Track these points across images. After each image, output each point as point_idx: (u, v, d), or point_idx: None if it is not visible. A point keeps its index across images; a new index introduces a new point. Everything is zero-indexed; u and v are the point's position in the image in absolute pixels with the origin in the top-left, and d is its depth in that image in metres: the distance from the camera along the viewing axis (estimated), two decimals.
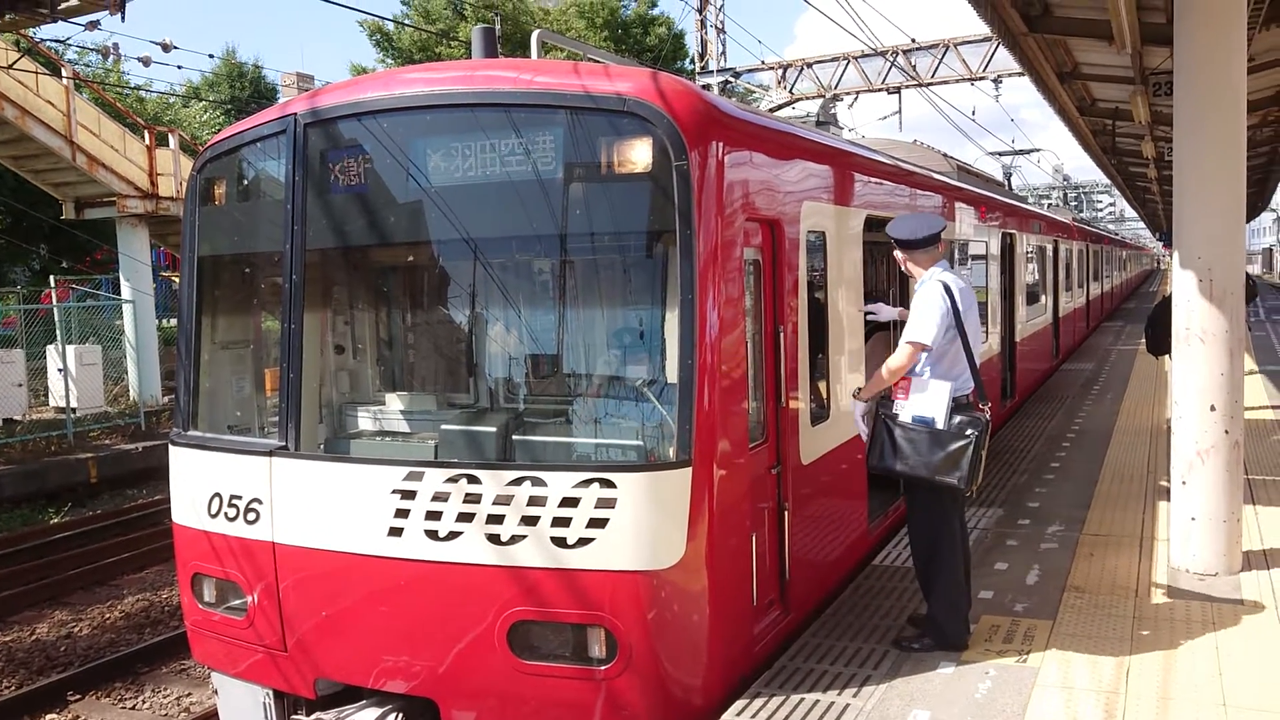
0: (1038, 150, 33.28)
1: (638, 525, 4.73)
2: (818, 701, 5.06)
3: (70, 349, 19.12)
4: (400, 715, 5.18)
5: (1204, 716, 4.83)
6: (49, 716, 8.52)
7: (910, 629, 5.87)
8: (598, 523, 4.74)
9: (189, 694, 8.81)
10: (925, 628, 5.74)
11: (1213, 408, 6.65)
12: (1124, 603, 6.36)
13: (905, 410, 5.45)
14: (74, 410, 18.68)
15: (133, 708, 8.68)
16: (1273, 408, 13.78)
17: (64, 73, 19.91)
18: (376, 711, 5.16)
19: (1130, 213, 73.91)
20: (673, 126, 4.83)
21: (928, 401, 5.40)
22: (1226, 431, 6.67)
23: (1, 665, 9.65)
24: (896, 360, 5.51)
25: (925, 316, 5.48)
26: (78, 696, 8.83)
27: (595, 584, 4.76)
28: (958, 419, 5.37)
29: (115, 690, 8.98)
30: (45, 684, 8.98)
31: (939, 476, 5.32)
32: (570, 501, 4.77)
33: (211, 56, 25.54)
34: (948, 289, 5.49)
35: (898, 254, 5.85)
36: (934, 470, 5.32)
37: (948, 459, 5.29)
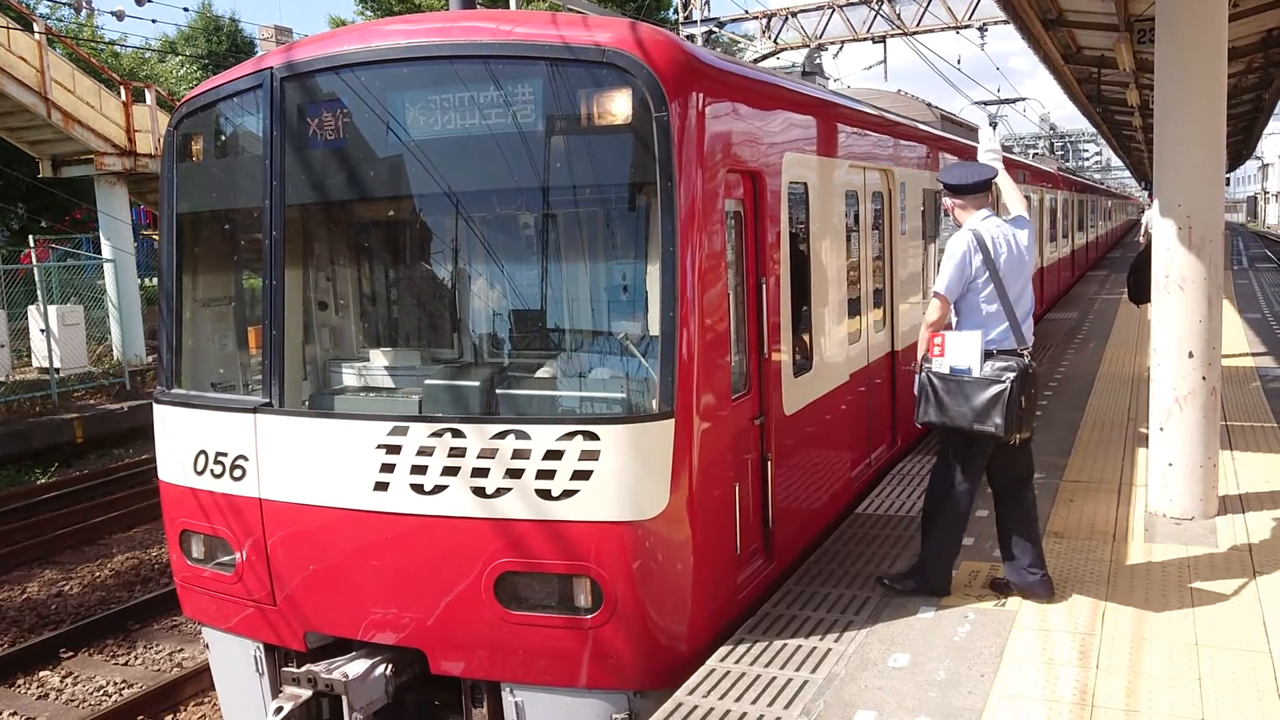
0: (1024, 99, 33.10)
1: (621, 477, 4.78)
2: (800, 646, 5.15)
3: (52, 309, 18.98)
4: (390, 666, 5.25)
5: (1176, 655, 4.95)
6: (43, 673, 8.61)
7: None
8: (582, 474, 4.78)
9: (181, 649, 8.90)
10: (912, 570, 5.83)
11: (1191, 354, 6.72)
12: (1102, 547, 6.47)
13: (943, 363, 5.42)
14: (58, 371, 18.60)
15: (125, 664, 8.77)
16: (1252, 355, 13.90)
17: (36, 28, 19.54)
18: (366, 663, 5.22)
19: (1116, 162, 73.83)
20: (652, 77, 4.80)
21: (961, 351, 5.37)
22: (1204, 378, 6.74)
23: None
24: (928, 315, 5.59)
25: (944, 267, 5.52)
26: (70, 653, 8.91)
27: (580, 535, 4.82)
28: (994, 365, 5.31)
29: (107, 647, 9.07)
30: (38, 641, 9.06)
31: (978, 425, 5.24)
32: (554, 454, 4.81)
33: (186, 10, 25.06)
34: (979, 238, 5.46)
35: (946, 200, 5.79)
36: (973, 419, 5.25)
37: (984, 406, 5.22)
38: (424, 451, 5.02)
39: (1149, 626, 5.28)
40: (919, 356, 5.58)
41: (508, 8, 5.97)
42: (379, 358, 6.12)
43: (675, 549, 4.96)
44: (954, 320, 5.61)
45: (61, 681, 8.46)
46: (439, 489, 4.99)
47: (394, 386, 5.91)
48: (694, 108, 4.98)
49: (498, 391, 5.37)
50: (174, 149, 6.02)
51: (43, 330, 18.80)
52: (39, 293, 19.16)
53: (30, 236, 21.36)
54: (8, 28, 18.43)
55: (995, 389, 5.21)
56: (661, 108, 4.79)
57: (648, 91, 4.80)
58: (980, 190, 5.64)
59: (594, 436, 4.78)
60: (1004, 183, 5.98)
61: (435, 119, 5.20)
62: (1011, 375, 5.21)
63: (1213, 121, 6.74)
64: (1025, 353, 5.45)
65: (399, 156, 5.42)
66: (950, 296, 5.49)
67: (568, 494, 4.80)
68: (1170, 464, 6.91)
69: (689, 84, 4.98)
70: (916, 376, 5.56)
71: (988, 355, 5.34)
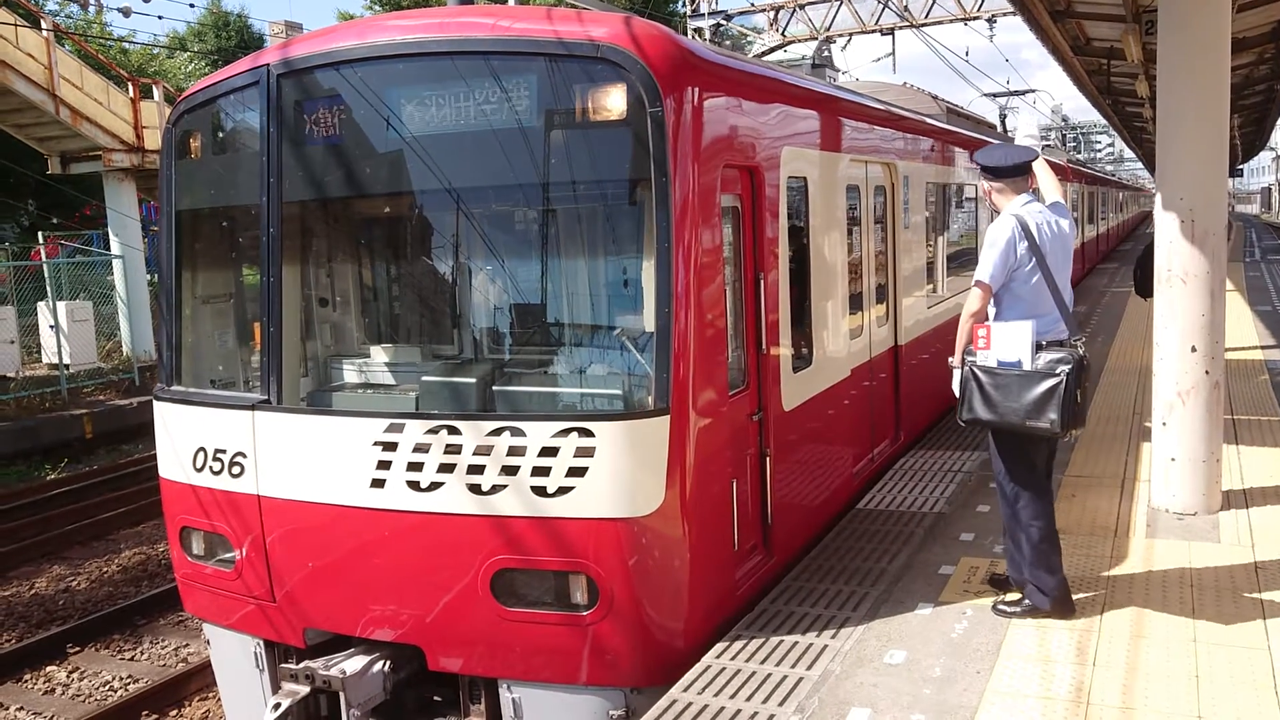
0: (1033, 91, 32.86)
1: (616, 473, 4.77)
2: (797, 642, 5.14)
3: (62, 305, 19.07)
4: (387, 663, 5.27)
5: (1174, 652, 4.92)
6: (49, 668, 8.67)
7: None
8: (577, 471, 4.78)
9: (186, 645, 8.95)
10: (1024, 590, 5.41)
11: (1193, 349, 6.67)
12: (1103, 543, 6.44)
13: (989, 356, 5.07)
14: (67, 367, 18.69)
15: (131, 659, 8.82)
16: (1262, 348, 13.81)
17: (43, 24, 19.60)
18: (364, 660, 5.24)
19: (1129, 153, 73.41)
20: (646, 72, 4.78)
21: (1011, 343, 5.02)
22: (1207, 372, 6.69)
23: (1, 619, 9.78)
24: (968, 305, 5.26)
25: (985, 254, 5.23)
26: (77, 649, 8.96)
27: (576, 532, 4.82)
28: (1047, 358, 4.97)
29: (114, 642, 9.12)
30: (45, 636, 9.12)
31: (1031, 422, 4.92)
32: (549, 451, 4.81)
33: (193, 6, 24.99)
34: (1023, 224, 5.17)
35: (984, 184, 5.53)
36: (1025, 415, 4.93)
37: (1038, 401, 4.89)
38: (420, 448, 5.02)
39: (1148, 623, 5.25)
40: (959, 349, 5.28)
41: (505, 3, 5.96)
42: (378, 354, 6.13)
43: (671, 545, 4.95)
44: (992, 311, 5.33)
45: (68, 677, 8.51)
46: (435, 486, 4.99)
47: (392, 383, 5.92)
48: (689, 102, 4.97)
49: (494, 388, 5.37)
50: (172, 146, 6.03)
51: (52, 326, 18.91)
52: (48, 289, 19.24)
53: (40, 233, 21.46)
54: (15, 25, 18.48)
55: (1049, 383, 4.88)
56: (656, 103, 4.78)
57: (642, 87, 4.78)
58: (1020, 174, 5.35)
59: (589, 433, 4.77)
60: (1040, 168, 5.70)
61: (431, 115, 5.20)
62: (1067, 368, 4.88)
63: (1215, 114, 6.68)
64: (1078, 343, 5.11)
65: (396, 152, 5.41)
66: (994, 285, 5.19)
67: (563, 491, 4.80)
68: (1172, 459, 6.86)
69: (684, 78, 4.96)
70: (957, 371, 5.26)
71: (1037, 347, 5.00)
